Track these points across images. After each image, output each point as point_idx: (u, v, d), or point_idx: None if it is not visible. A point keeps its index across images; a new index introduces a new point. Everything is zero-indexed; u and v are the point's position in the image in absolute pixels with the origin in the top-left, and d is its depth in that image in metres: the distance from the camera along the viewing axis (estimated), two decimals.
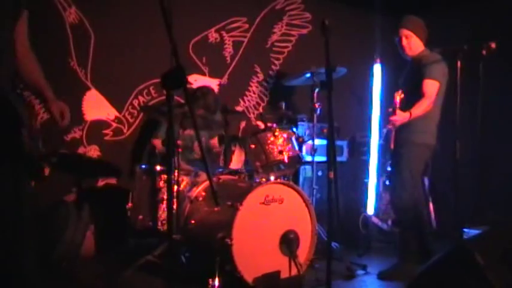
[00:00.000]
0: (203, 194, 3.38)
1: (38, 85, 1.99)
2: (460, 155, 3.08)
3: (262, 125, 3.91)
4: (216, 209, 3.15)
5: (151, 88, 4.43)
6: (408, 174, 3.55)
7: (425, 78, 3.49)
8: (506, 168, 4.82)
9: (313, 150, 3.81)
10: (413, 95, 3.51)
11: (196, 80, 4.65)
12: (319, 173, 4.36)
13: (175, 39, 1.68)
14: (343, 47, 4.97)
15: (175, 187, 3.21)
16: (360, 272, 3.58)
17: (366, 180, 4.86)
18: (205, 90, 4.11)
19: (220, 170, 3.81)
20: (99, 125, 4.22)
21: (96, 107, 4.18)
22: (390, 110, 3.56)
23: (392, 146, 3.68)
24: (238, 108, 4.90)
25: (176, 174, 3.22)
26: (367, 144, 5.00)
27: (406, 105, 3.51)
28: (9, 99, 1.71)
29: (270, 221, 3.09)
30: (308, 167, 4.40)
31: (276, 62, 5.19)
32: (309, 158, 4.01)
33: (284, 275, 3.09)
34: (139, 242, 3.59)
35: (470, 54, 3.04)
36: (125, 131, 4.34)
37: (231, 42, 4.89)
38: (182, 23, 4.34)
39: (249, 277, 2.93)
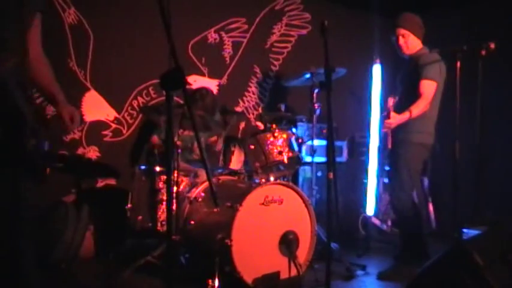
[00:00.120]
0: (202, 194, 3.38)
1: (50, 89, 1.99)
2: (460, 155, 3.08)
3: (261, 126, 3.91)
4: (215, 209, 3.15)
5: (150, 89, 4.44)
6: (407, 174, 3.56)
7: (422, 78, 3.47)
8: (506, 168, 4.82)
9: (313, 151, 3.82)
10: (411, 95, 3.51)
11: (196, 81, 4.65)
12: (319, 174, 4.37)
13: (175, 40, 1.68)
14: (343, 47, 4.98)
15: (175, 188, 3.21)
16: (360, 272, 3.57)
17: (365, 181, 4.87)
18: (203, 91, 4.11)
19: (220, 170, 3.81)
20: (99, 126, 4.22)
21: (96, 107, 4.18)
22: (385, 113, 3.58)
23: (389, 146, 3.68)
24: (238, 109, 4.91)
25: (175, 175, 3.23)
26: (366, 145, 4.99)
27: (404, 104, 3.52)
28: (13, 96, 1.70)
29: (270, 222, 3.09)
30: (307, 168, 4.40)
31: (276, 62, 5.19)
32: (308, 159, 4.01)
33: (284, 275, 3.09)
34: (139, 242, 3.59)
35: (469, 54, 3.04)
36: (124, 131, 4.34)
37: (231, 42, 4.90)
38: (181, 23, 4.35)
39: (248, 278, 2.93)
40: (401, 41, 3.63)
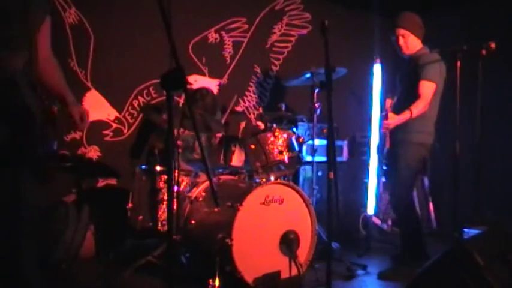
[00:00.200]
0: (203, 194, 3.38)
1: (59, 90, 2.01)
2: (460, 155, 3.08)
3: (262, 126, 3.91)
4: (216, 209, 3.15)
5: (151, 88, 4.44)
6: (406, 174, 3.56)
7: (421, 79, 3.47)
8: (506, 168, 4.82)
9: (313, 151, 3.82)
10: (410, 95, 3.51)
11: (196, 81, 4.65)
12: (319, 173, 4.36)
13: (175, 40, 1.68)
14: (343, 47, 4.98)
15: (175, 187, 3.21)
16: (360, 272, 3.57)
17: (365, 180, 4.87)
18: (204, 92, 4.12)
19: (221, 170, 3.81)
20: (99, 126, 4.22)
21: (96, 107, 4.18)
22: (383, 114, 3.59)
23: (388, 145, 3.68)
24: (238, 109, 4.91)
25: (176, 174, 3.23)
26: (366, 144, 5.00)
27: (404, 104, 3.52)
28: (24, 96, 1.70)
29: (270, 222, 3.09)
30: (308, 167, 4.40)
31: (276, 62, 5.19)
32: (308, 158, 4.01)
33: (284, 275, 3.09)
34: (139, 242, 3.59)
35: (469, 54, 3.04)
36: (124, 131, 4.34)
37: (231, 42, 4.90)
38: (182, 23, 4.35)
39: (249, 277, 2.93)
40: (401, 41, 3.62)
